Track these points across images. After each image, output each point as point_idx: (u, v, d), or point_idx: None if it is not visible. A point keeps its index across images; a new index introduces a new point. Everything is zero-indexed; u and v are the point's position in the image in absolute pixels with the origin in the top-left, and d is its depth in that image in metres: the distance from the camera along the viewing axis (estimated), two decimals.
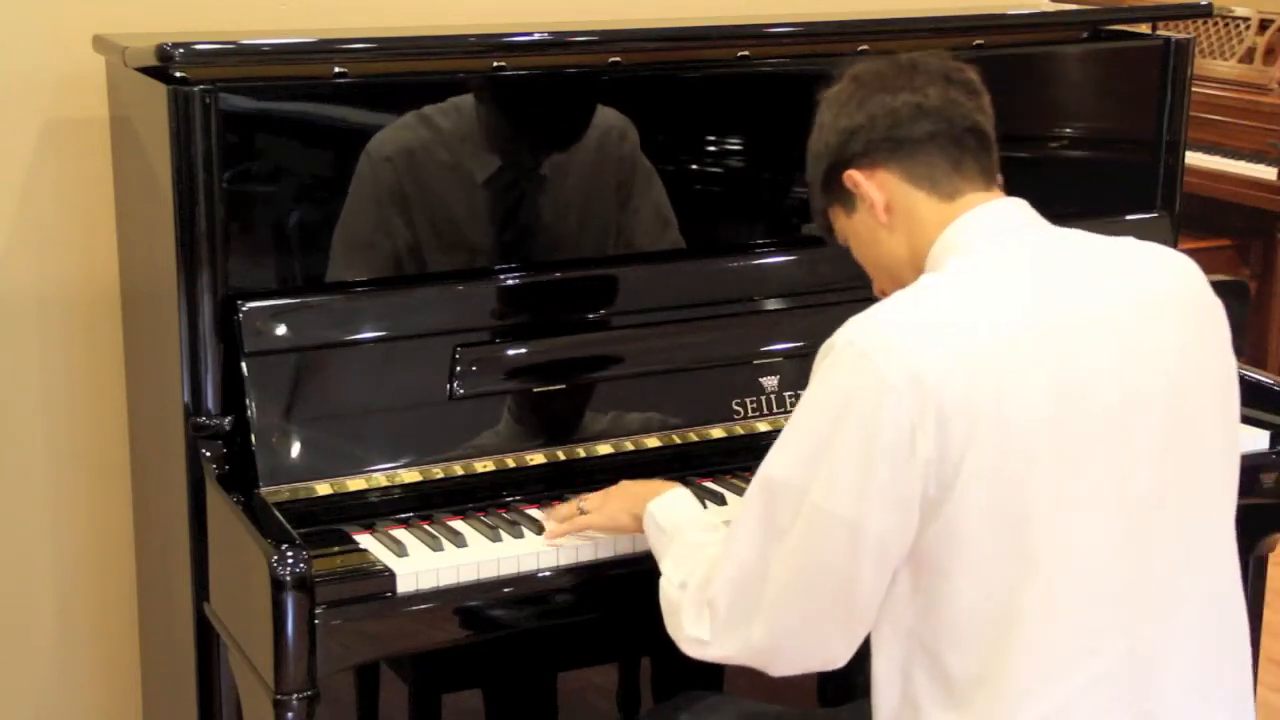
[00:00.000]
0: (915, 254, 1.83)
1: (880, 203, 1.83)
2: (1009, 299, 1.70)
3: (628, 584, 2.08)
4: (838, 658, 1.75)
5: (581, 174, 2.40)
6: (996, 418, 1.63)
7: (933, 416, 1.62)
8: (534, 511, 2.21)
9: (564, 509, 2.15)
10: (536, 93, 2.39)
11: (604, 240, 2.45)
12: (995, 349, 1.65)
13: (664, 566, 1.91)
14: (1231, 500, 1.82)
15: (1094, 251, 1.80)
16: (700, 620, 1.80)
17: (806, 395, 1.72)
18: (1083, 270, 1.76)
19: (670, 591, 1.87)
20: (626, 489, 2.12)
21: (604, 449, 2.32)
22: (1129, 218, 2.76)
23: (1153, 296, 1.76)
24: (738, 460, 2.35)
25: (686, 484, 2.27)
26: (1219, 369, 1.80)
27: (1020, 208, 1.82)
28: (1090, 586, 1.68)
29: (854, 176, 1.84)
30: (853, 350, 1.66)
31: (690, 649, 1.82)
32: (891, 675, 1.73)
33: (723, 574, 1.77)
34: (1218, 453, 1.79)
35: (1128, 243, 1.84)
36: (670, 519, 1.98)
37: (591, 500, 2.13)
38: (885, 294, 1.83)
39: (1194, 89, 2.86)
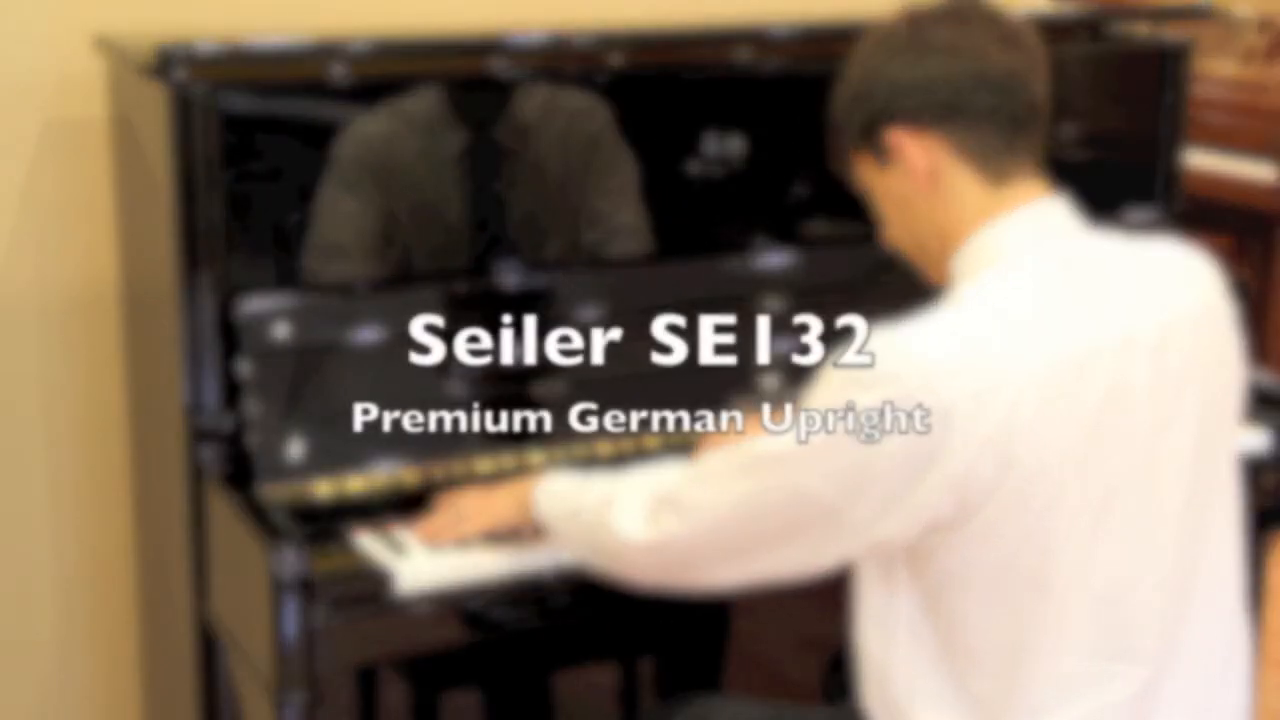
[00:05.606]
0: (946, 233, 1.74)
1: (923, 170, 1.72)
2: (1047, 328, 1.63)
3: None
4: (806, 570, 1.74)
5: (550, 146, 2.40)
6: (1030, 456, 1.59)
7: (958, 457, 1.57)
8: None
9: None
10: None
11: (579, 203, 2.45)
12: (1033, 387, 1.59)
13: (583, 505, 1.90)
14: (1237, 509, 1.80)
15: (1124, 265, 1.74)
16: (633, 516, 1.80)
17: (823, 391, 1.65)
18: (1115, 288, 1.70)
19: (591, 519, 1.87)
20: (477, 493, 2.10)
21: (604, 449, 2.32)
22: (1128, 218, 2.76)
23: (1181, 313, 1.71)
24: None
25: None
26: (1238, 379, 1.78)
27: (1059, 212, 1.76)
28: (1102, 617, 1.66)
29: (900, 136, 1.72)
30: (884, 370, 1.59)
31: (623, 550, 1.83)
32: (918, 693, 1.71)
33: (682, 490, 1.77)
34: (1227, 465, 1.78)
35: (1155, 253, 1.78)
36: (564, 485, 1.98)
37: (444, 513, 2.09)
38: (894, 242, 1.80)
39: (1194, 89, 2.86)
